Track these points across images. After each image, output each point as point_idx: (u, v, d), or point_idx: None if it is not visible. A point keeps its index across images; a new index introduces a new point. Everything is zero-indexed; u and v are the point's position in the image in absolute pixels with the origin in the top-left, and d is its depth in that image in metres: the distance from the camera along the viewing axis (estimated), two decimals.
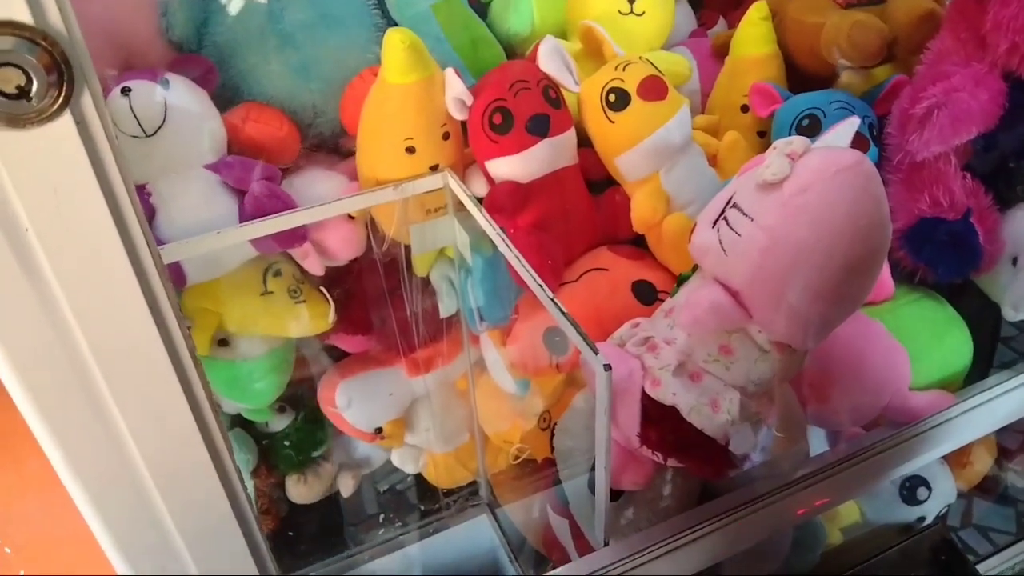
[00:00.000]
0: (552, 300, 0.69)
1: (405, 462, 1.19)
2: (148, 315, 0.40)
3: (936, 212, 0.84)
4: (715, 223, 0.65)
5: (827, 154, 0.59)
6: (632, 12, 1.03)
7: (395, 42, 0.79)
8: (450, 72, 0.83)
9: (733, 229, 0.63)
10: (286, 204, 0.85)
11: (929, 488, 1.02)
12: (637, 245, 0.95)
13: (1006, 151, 0.88)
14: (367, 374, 1.07)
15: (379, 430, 1.09)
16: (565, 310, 0.67)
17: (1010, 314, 0.87)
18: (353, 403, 1.06)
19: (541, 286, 0.70)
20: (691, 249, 0.69)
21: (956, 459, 1.22)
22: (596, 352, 0.62)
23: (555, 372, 0.91)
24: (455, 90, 0.83)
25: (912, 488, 1.01)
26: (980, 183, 0.87)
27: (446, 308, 1.01)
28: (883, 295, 0.87)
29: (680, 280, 0.75)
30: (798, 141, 0.61)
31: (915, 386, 0.85)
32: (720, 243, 0.64)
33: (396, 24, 1.00)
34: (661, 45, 1.09)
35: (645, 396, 0.67)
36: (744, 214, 0.62)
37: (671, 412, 0.66)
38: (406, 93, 0.83)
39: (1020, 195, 0.89)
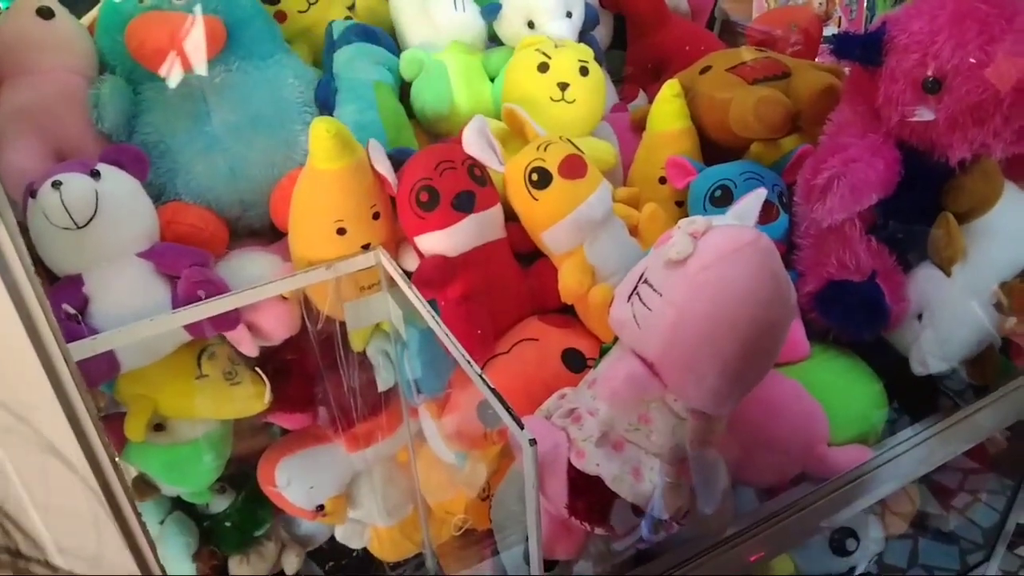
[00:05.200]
0: (479, 375, 0.71)
1: (349, 538, 1.18)
2: (69, 429, 0.41)
3: (843, 275, 0.89)
4: (629, 297, 0.69)
5: (726, 232, 0.63)
6: (564, 99, 1.08)
7: (321, 131, 0.83)
8: (373, 143, 0.88)
9: (645, 304, 0.66)
10: (219, 288, 0.86)
11: (857, 539, 1.05)
12: (567, 312, 0.98)
13: (906, 214, 0.94)
14: (306, 451, 1.07)
15: (321, 507, 1.08)
16: (491, 385, 0.69)
17: (918, 369, 0.91)
18: (293, 481, 1.06)
19: (469, 362, 0.72)
20: (610, 322, 0.72)
21: (891, 503, 1.26)
22: (521, 426, 0.64)
23: (489, 443, 0.92)
24: (380, 165, 0.87)
25: (841, 540, 1.04)
26: (884, 245, 0.92)
27: (384, 382, 1.02)
28: (799, 355, 0.91)
29: (603, 351, 0.78)
30: (700, 220, 0.65)
31: (834, 441, 0.88)
32: (634, 317, 0.67)
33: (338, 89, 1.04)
34: (591, 131, 1.14)
35: (571, 467, 0.69)
36: (654, 290, 0.65)
37: (597, 482, 0.68)
38: (334, 178, 0.86)
39: (921, 255, 0.94)
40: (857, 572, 1.07)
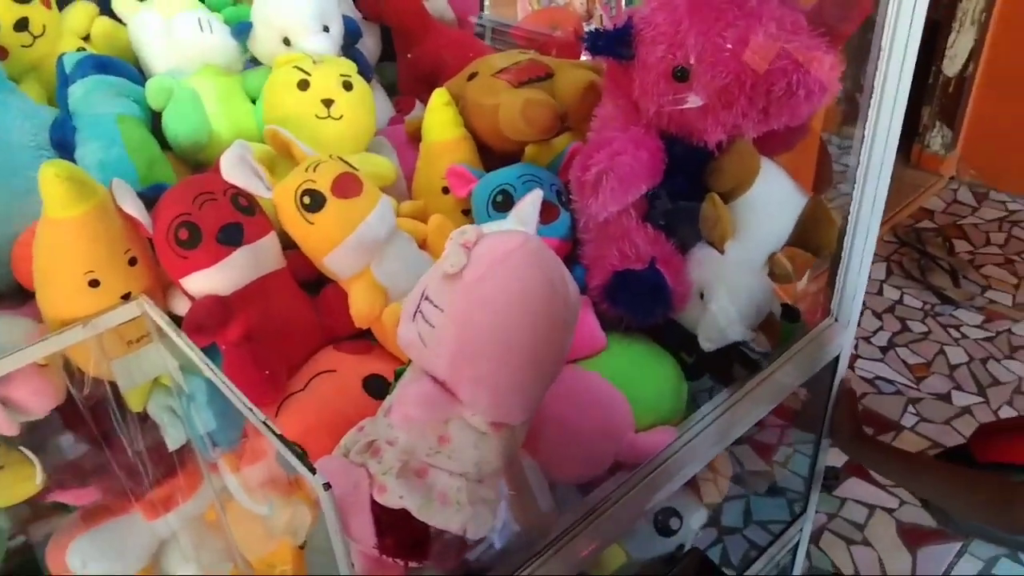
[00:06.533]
0: (263, 422, 0.66)
1: None
2: None
3: (625, 264, 0.91)
4: (414, 316, 0.66)
5: (496, 239, 0.62)
6: (330, 116, 1.04)
7: (50, 176, 0.74)
8: (116, 182, 0.80)
9: (428, 321, 0.64)
10: None
11: (680, 517, 1.08)
12: (366, 337, 0.94)
13: (677, 199, 0.97)
14: (99, 527, 0.97)
15: None
16: (277, 431, 0.64)
17: (706, 344, 0.94)
18: (89, 562, 0.96)
19: (251, 409, 0.67)
20: (399, 344, 0.69)
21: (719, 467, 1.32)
22: (314, 472, 0.60)
23: (295, 489, 0.87)
24: (128, 205, 0.80)
25: (665, 520, 1.07)
26: (661, 231, 0.95)
27: (173, 440, 0.94)
28: (596, 347, 0.92)
29: (397, 375, 0.75)
30: (471, 230, 0.63)
31: (641, 426, 0.90)
32: (420, 336, 0.65)
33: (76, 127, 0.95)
34: (365, 147, 1.10)
35: (375, 504, 0.66)
36: (435, 306, 0.63)
37: (403, 515, 0.65)
38: (75, 226, 0.77)
39: (696, 236, 0.97)
40: (686, 548, 1.11)
